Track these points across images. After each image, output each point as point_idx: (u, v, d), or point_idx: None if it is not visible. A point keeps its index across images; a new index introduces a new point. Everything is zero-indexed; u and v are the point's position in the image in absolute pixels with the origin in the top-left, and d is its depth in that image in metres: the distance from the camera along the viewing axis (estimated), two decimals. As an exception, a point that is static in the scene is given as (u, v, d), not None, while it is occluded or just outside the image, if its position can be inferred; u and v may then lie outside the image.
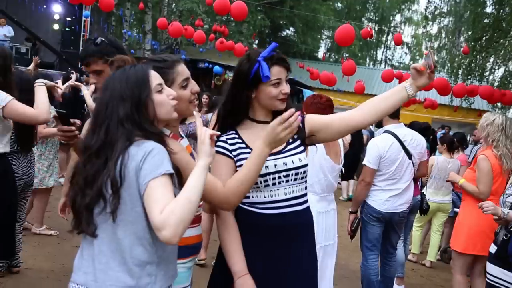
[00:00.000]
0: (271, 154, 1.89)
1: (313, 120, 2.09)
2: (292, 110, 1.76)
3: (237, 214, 2.01)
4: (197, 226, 2.04)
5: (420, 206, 4.72)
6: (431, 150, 5.51)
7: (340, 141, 3.54)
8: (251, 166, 1.81)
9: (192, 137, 4.04)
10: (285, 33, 34.07)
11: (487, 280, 3.09)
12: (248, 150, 1.96)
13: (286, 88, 1.98)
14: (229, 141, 2.00)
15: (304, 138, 2.06)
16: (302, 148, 2.06)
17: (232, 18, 27.42)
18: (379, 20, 37.99)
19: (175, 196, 1.48)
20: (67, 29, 19.16)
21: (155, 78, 1.66)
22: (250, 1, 22.18)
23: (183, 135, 2.07)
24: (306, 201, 2.08)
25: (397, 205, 3.79)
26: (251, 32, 22.94)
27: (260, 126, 2.00)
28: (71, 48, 18.37)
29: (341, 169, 3.43)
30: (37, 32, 19.38)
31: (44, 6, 20.05)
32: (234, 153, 1.97)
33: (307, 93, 18.42)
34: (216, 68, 15.34)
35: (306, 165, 2.03)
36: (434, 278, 5.49)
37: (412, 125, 5.12)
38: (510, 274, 2.91)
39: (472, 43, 10.72)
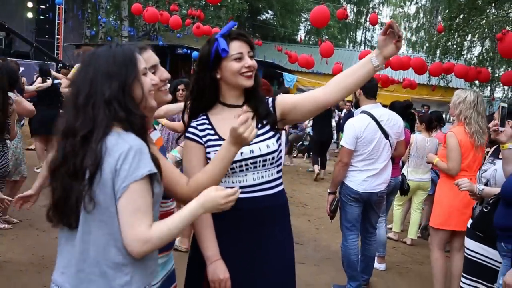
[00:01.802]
0: None
1: (284, 101, 2.06)
2: (245, 110, 1.75)
3: None
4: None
5: (401, 187, 4.77)
6: (411, 129, 5.56)
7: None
8: (216, 167, 1.77)
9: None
10: (264, 17, 33.87)
11: (465, 254, 3.15)
12: (216, 137, 1.95)
13: (249, 61, 1.93)
14: (199, 127, 1.98)
15: (274, 122, 2.03)
16: (271, 133, 2.02)
17: (209, 3, 27.22)
18: (358, 1, 37.93)
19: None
20: (41, 17, 18.79)
21: (141, 60, 1.58)
22: (227, -15, 22.01)
23: (156, 127, 2.02)
24: (279, 185, 2.07)
25: (375, 185, 3.81)
26: (229, 16, 22.72)
27: (231, 110, 1.97)
28: (46, 36, 18.09)
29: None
30: (10, 21, 19.00)
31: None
32: (204, 139, 1.96)
33: (286, 76, 18.44)
34: (195, 54, 15.15)
35: (275, 151, 2.00)
36: (415, 255, 5.58)
37: (393, 105, 5.15)
38: (487, 248, 2.96)
39: (449, 22, 10.79)
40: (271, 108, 2.04)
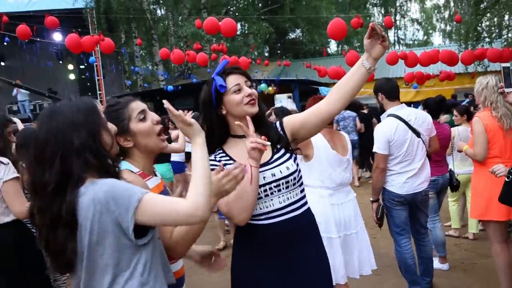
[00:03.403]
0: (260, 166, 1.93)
1: (291, 121, 2.11)
2: (238, 164, 1.74)
3: (239, 231, 2.08)
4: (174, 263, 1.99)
5: (450, 183, 4.66)
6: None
7: (345, 134, 3.59)
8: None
9: None
10: (293, 36, 34.15)
11: None
12: None
13: (248, 90, 2.01)
14: (217, 158, 2.06)
15: (288, 144, 2.09)
16: (288, 155, 2.07)
17: (239, 34, 27.76)
18: (384, 3, 37.52)
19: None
20: (82, 77, 19.86)
21: (101, 110, 1.60)
22: (249, 13, 22.47)
23: (157, 173, 2.05)
24: (305, 204, 2.11)
25: (417, 185, 3.77)
26: (258, 42, 23.11)
27: (243, 140, 2.02)
28: (89, 94, 19.04)
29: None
30: (57, 85, 20.34)
31: (59, 62, 20.82)
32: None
33: (323, 90, 18.38)
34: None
35: (295, 171, 2.05)
36: (479, 249, 5.38)
37: (426, 103, 5.05)
38: None
39: (474, 7, 10.51)
40: (281, 131, 2.10)
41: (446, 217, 6.04)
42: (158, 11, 25.55)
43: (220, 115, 2.05)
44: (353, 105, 9.29)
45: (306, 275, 2.04)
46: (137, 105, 1.91)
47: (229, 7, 24.80)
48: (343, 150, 3.33)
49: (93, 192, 1.43)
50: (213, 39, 19.31)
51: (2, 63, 21.57)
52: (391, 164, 3.77)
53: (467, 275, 4.67)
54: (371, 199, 3.91)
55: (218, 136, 2.08)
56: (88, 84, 19.43)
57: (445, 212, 5.75)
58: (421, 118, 3.84)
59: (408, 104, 6.76)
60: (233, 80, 2.01)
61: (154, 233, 1.59)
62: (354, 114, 9.90)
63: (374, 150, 3.79)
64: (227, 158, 2.06)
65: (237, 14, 24.81)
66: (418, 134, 3.76)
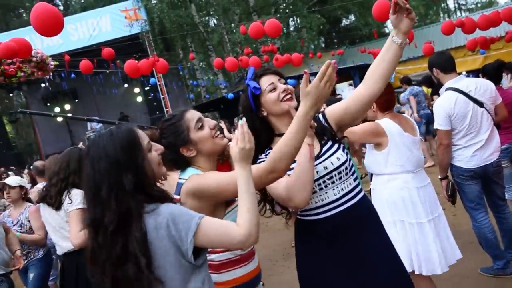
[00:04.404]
0: None
1: (333, 111, 2.12)
2: (328, 61, 1.74)
3: (297, 227, 2.12)
4: (246, 264, 2.06)
5: None
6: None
7: (408, 116, 3.48)
8: (294, 128, 1.76)
9: None
10: (347, 22, 33.48)
11: None
12: None
13: (283, 86, 2.05)
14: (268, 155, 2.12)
15: (333, 134, 2.10)
16: (336, 146, 2.09)
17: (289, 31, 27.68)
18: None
19: None
20: (148, 98, 20.82)
21: (143, 137, 1.66)
22: (298, 8, 22.33)
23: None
24: (360, 191, 2.11)
25: (486, 157, 3.62)
26: (312, 35, 22.88)
27: None
28: (157, 113, 19.96)
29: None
30: (129, 108, 21.53)
31: (125, 87, 22.01)
32: None
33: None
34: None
35: (346, 161, 2.06)
36: None
37: (484, 69, 4.83)
38: None
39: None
40: (325, 123, 2.12)
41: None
42: (210, 22, 26.11)
43: (262, 118, 2.10)
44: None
45: (377, 262, 2.03)
46: (192, 115, 1.99)
47: (278, 6, 24.78)
48: (413, 131, 3.23)
49: (155, 220, 1.53)
50: (267, 40, 19.41)
51: (76, 100, 23.18)
52: (456, 138, 3.64)
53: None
54: (439, 176, 3.80)
55: (264, 138, 2.13)
56: (155, 103, 20.33)
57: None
58: (482, 87, 3.67)
59: (478, 71, 6.37)
60: (266, 81, 2.07)
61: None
62: (420, 88, 9.59)
63: (435, 127, 3.68)
64: None
65: (287, 11, 24.73)
66: (480, 104, 3.60)
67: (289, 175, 1.96)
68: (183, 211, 1.57)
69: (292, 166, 1.93)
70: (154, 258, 1.52)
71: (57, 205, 3.50)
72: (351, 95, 2.09)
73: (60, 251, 3.66)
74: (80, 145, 7.80)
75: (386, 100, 3.17)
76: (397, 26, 1.90)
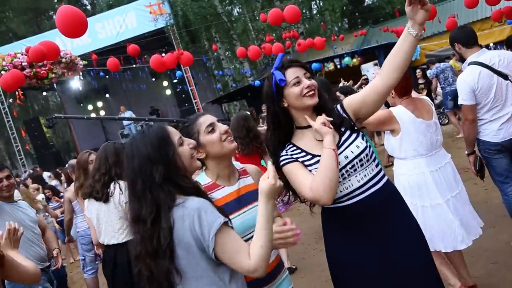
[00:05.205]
0: None
1: (351, 101, 2.17)
2: (288, 223, 1.84)
3: (325, 216, 2.19)
4: None
5: None
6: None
7: (426, 98, 3.50)
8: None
9: None
10: (369, 2, 32.86)
11: None
12: (309, 156, 2.11)
13: (307, 82, 2.08)
14: (289, 152, 2.15)
15: (352, 124, 2.14)
16: (354, 135, 2.13)
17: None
18: None
19: None
20: (177, 90, 21.08)
21: (174, 133, 1.77)
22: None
23: (237, 179, 2.17)
24: (383, 177, 2.15)
25: (513, 129, 3.59)
26: (336, 17, 22.62)
27: (310, 130, 2.13)
28: (186, 105, 20.20)
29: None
30: (159, 102, 21.99)
31: (153, 81, 22.37)
32: (299, 160, 2.12)
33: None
34: (314, 65, 15.43)
35: (366, 148, 2.10)
36: None
37: (508, 41, 4.74)
38: None
39: None
40: (343, 114, 2.16)
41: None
42: (234, 11, 26.07)
43: (283, 108, 2.15)
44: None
45: (401, 240, 2.09)
46: (205, 119, 2.11)
47: (299, -11, 24.58)
48: (428, 115, 3.25)
49: (182, 211, 1.63)
50: (290, 26, 19.30)
51: (107, 95, 23.74)
52: (481, 113, 3.62)
53: None
54: (466, 152, 3.79)
55: (285, 129, 2.18)
56: (183, 96, 20.56)
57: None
58: (506, 59, 3.62)
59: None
60: (291, 73, 2.10)
61: None
62: (449, 64, 9.40)
63: (459, 102, 3.66)
64: (299, 151, 2.15)
65: (309, -6, 24.51)
66: (505, 76, 3.56)
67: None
68: (209, 210, 1.64)
69: (315, 165, 2.02)
70: (179, 247, 1.62)
71: (105, 198, 3.69)
72: (368, 87, 2.13)
73: (109, 242, 3.77)
74: None
75: (404, 86, 3.22)
76: (413, 18, 1.94)
